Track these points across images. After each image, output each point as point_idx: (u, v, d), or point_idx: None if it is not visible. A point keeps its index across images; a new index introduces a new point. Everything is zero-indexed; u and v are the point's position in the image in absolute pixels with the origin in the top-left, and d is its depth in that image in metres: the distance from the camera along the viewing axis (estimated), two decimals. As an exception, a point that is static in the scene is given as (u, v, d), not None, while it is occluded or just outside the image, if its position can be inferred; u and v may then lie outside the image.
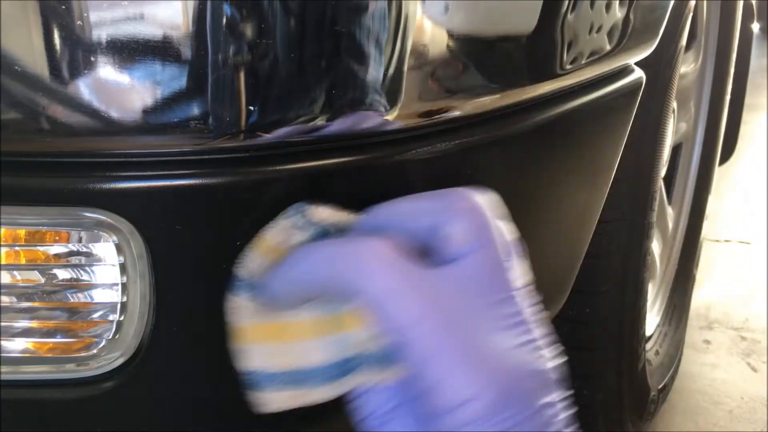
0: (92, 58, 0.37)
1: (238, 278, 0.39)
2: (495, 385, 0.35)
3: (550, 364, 0.37)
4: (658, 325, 1.29)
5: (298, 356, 0.38)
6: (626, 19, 0.59)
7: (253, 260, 0.39)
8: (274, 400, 0.39)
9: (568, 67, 0.54)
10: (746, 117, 1.90)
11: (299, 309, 0.39)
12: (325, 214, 0.39)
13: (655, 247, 1.27)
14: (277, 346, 0.38)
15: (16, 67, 0.37)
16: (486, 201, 0.40)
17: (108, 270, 0.42)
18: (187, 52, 0.37)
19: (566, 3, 0.51)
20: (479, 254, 0.38)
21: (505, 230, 0.40)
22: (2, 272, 0.41)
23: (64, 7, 0.36)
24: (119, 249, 0.42)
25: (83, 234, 0.41)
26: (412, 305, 0.35)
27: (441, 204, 0.39)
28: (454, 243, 0.38)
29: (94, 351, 0.44)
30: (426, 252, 0.39)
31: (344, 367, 0.39)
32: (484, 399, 0.34)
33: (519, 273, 0.39)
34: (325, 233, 0.40)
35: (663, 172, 1.12)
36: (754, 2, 1.63)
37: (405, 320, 0.35)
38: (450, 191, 0.40)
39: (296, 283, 0.38)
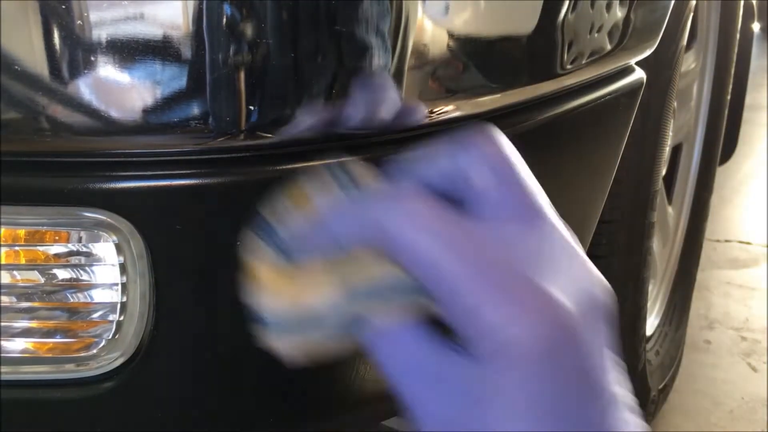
0: (92, 58, 0.37)
1: (262, 219, 0.37)
2: (547, 319, 0.29)
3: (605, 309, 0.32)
4: (658, 325, 1.29)
5: (310, 296, 0.36)
6: (627, 19, 0.59)
7: (281, 204, 0.37)
8: (285, 346, 0.36)
9: (569, 67, 0.54)
10: (746, 117, 1.89)
11: (313, 254, 0.36)
12: (365, 176, 0.37)
13: (656, 247, 1.27)
14: (288, 287, 0.37)
15: (16, 67, 0.36)
16: (498, 136, 0.35)
17: (108, 270, 0.42)
18: (186, 52, 0.37)
19: (566, 3, 0.51)
20: (514, 205, 0.33)
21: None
22: (2, 272, 0.41)
23: (64, 7, 0.36)
24: (119, 249, 0.42)
25: (83, 234, 0.41)
26: (450, 246, 0.31)
27: (457, 143, 0.35)
28: (477, 184, 0.34)
29: (94, 351, 0.44)
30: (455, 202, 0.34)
31: (357, 303, 0.35)
32: (533, 331, 0.29)
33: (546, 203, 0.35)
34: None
35: (663, 172, 1.12)
36: (754, 2, 1.63)
37: (441, 254, 0.31)
38: (465, 130, 0.36)
39: (325, 235, 0.34)
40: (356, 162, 0.38)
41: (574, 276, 0.33)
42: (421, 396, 0.32)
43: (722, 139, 1.44)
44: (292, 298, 0.35)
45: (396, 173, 0.37)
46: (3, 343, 0.43)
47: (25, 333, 0.43)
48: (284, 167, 0.42)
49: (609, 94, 0.62)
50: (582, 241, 0.72)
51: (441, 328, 0.32)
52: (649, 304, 1.17)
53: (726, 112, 1.42)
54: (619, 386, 0.32)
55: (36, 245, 0.41)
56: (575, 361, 0.30)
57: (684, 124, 1.33)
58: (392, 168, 0.37)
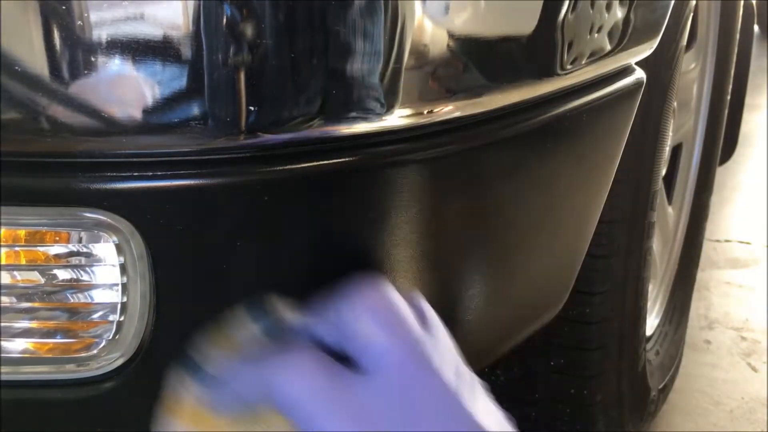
0: (92, 58, 0.37)
1: (191, 359, 0.40)
2: None
3: None
4: (658, 325, 1.29)
5: None
6: (627, 19, 0.59)
7: (208, 346, 0.41)
8: None
9: (569, 67, 0.54)
10: (746, 117, 1.89)
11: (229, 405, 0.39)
12: (282, 310, 0.40)
13: (656, 247, 1.27)
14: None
15: (16, 67, 0.37)
16: (384, 287, 0.39)
17: (108, 270, 0.42)
18: (186, 52, 0.37)
19: (566, 3, 0.51)
20: (394, 356, 0.36)
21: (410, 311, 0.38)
22: (2, 272, 0.41)
23: (64, 7, 0.36)
24: (119, 249, 0.42)
25: (83, 234, 0.41)
26: (335, 418, 0.34)
27: (342, 298, 0.38)
28: (362, 337, 0.36)
29: (94, 351, 0.44)
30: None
31: None
32: None
33: (443, 352, 0.37)
34: (274, 328, 0.40)
35: (663, 172, 1.12)
36: (754, 2, 1.63)
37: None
38: (353, 283, 0.39)
39: (234, 389, 0.38)
40: (277, 301, 0.40)
41: (450, 427, 0.35)
42: None
43: (722, 139, 1.44)
44: None
45: (296, 330, 0.39)
46: (3, 343, 0.43)
47: (26, 333, 0.43)
48: (284, 167, 0.42)
49: (609, 94, 0.62)
50: (582, 241, 0.72)
51: None
52: (649, 304, 1.17)
53: (726, 112, 1.42)
54: None
55: (36, 246, 0.42)
56: None
57: (684, 124, 1.33)
58: (295, 323, 0.39)
